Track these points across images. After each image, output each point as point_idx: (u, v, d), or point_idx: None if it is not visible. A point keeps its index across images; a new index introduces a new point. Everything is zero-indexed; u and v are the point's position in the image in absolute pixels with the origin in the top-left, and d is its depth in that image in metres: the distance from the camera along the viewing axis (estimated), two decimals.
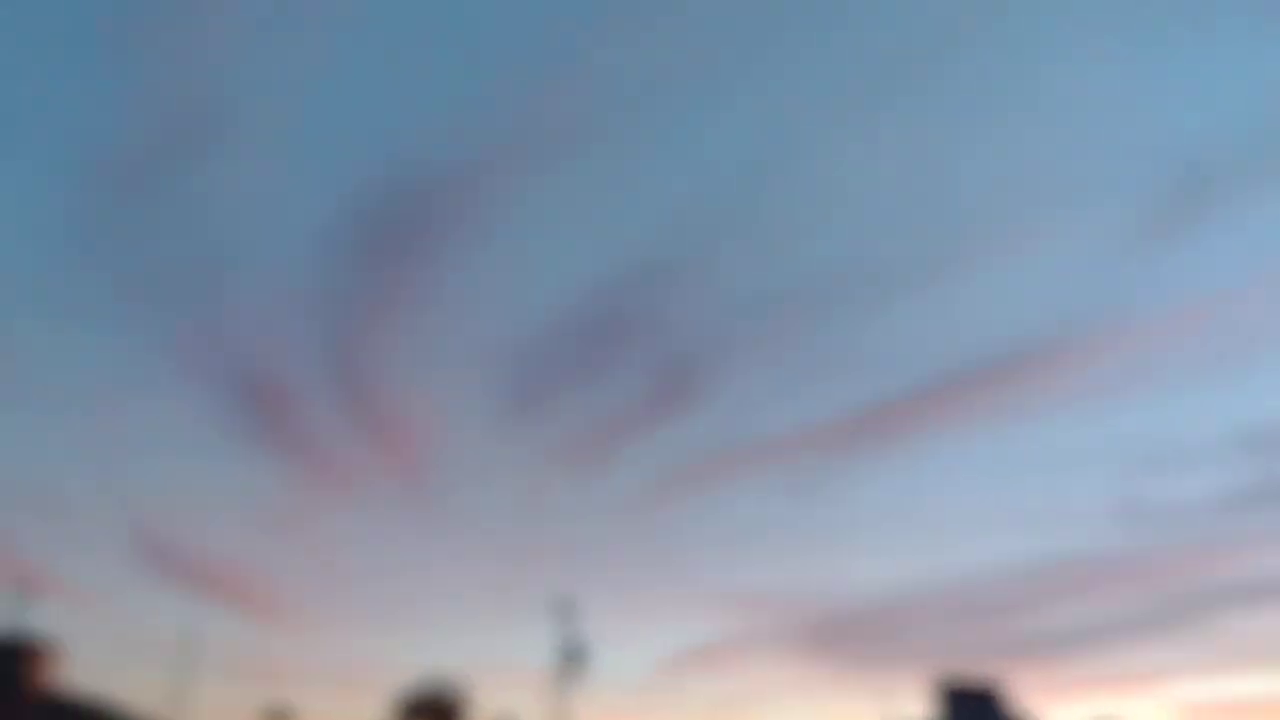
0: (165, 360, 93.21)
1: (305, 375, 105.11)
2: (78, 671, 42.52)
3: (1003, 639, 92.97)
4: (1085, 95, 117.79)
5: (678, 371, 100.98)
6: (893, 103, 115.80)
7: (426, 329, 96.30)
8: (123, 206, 78.60)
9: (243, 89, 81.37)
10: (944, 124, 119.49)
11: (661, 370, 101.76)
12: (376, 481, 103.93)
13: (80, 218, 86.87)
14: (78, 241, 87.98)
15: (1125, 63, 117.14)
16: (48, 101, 75.43)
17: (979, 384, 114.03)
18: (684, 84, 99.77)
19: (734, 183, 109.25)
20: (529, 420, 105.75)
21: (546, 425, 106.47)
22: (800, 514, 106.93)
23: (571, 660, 46.38)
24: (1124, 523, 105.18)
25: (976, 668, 68.11)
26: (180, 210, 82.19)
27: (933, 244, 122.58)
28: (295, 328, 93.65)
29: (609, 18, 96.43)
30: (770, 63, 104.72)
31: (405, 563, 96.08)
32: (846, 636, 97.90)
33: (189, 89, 73.15)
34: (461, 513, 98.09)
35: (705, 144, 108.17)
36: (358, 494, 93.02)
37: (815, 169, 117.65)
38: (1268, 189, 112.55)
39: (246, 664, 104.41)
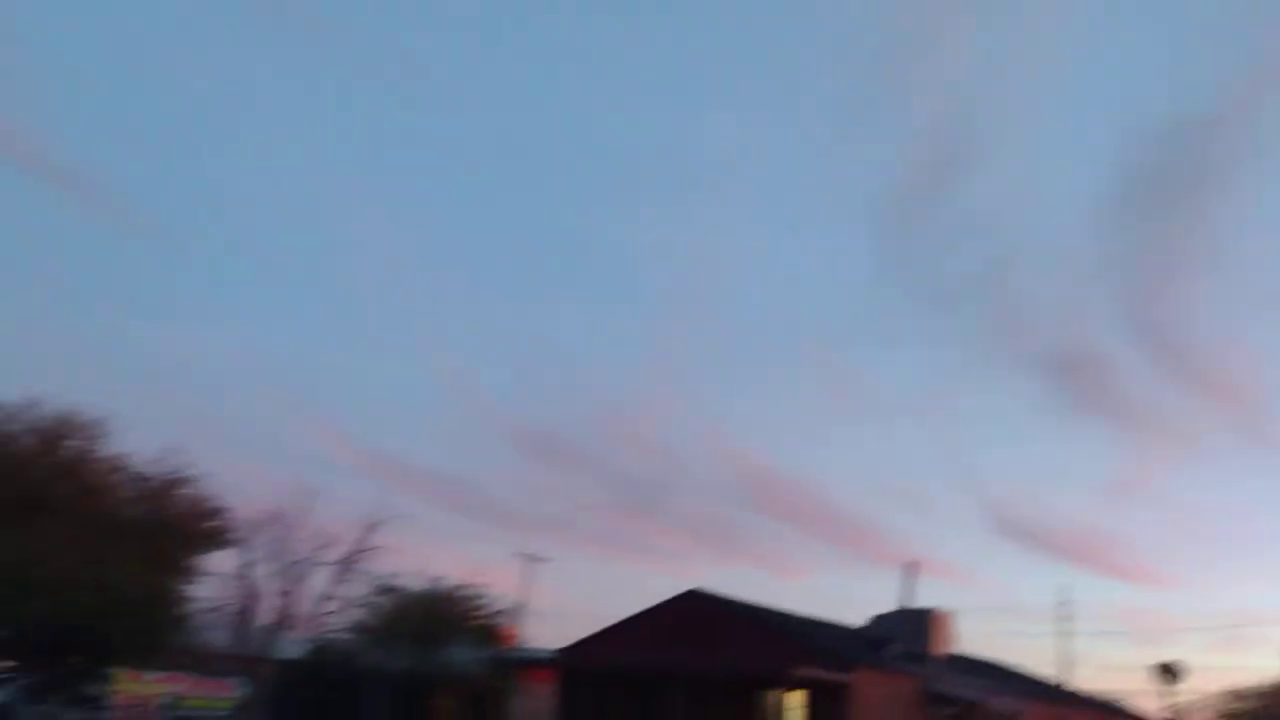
0: (980, 356, 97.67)
1: (1112, 341, 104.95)
2: (969, 640, 46.85)
3: None
4: None
5: None
6: None
7: (1225, 267, 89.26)
8: (910, 231, 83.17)
9: (991, 92, 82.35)
10: None
11: None
12: (1211, 430, 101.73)
13: (879, 249, 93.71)
14: (881, 270, 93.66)
15: None
16: (828, 153, 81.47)
17: None
18: None
19: None
20: None
21: None
22: None
23: None
24: None
25: None
26: (960, 220, 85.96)
27: None
28: (1092, 298, 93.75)
29: None
30: None
31: (1260, 508, 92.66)
32: None
33: (943, 106, 75.51)
34: None
35: None
36: (1194, 446, 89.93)
37: None
38: None
39: (1123, 622, 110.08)
